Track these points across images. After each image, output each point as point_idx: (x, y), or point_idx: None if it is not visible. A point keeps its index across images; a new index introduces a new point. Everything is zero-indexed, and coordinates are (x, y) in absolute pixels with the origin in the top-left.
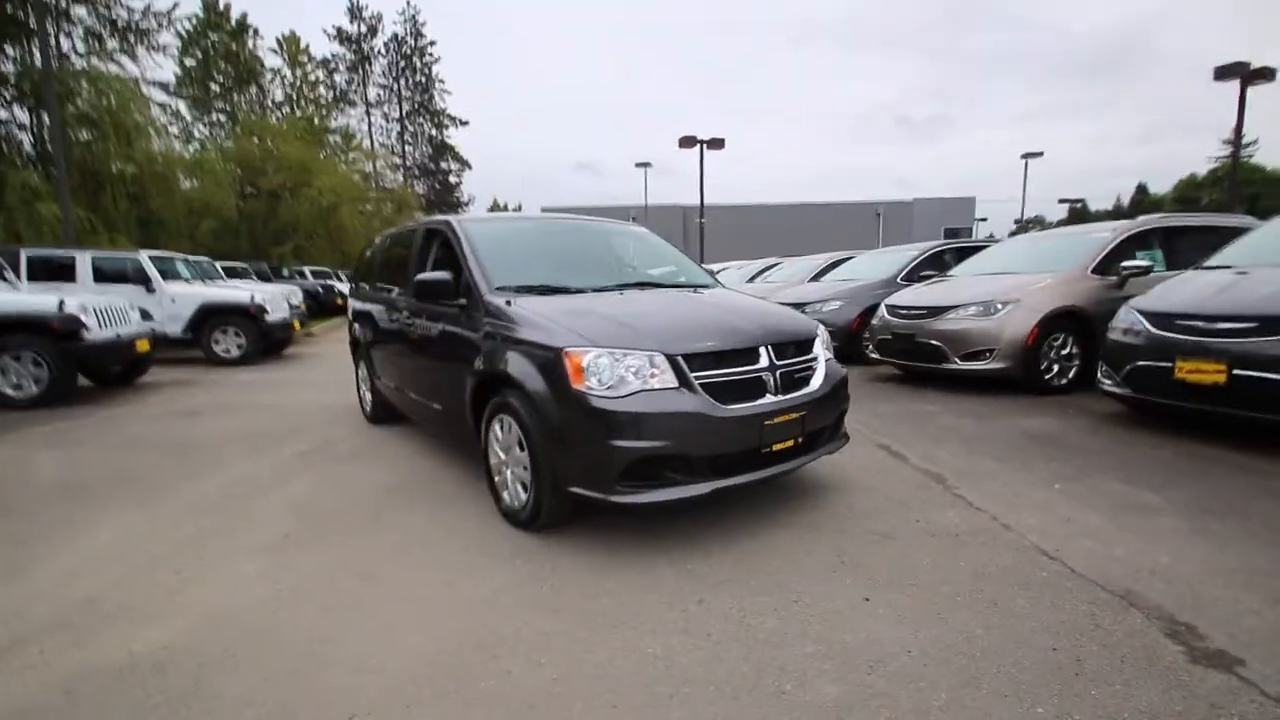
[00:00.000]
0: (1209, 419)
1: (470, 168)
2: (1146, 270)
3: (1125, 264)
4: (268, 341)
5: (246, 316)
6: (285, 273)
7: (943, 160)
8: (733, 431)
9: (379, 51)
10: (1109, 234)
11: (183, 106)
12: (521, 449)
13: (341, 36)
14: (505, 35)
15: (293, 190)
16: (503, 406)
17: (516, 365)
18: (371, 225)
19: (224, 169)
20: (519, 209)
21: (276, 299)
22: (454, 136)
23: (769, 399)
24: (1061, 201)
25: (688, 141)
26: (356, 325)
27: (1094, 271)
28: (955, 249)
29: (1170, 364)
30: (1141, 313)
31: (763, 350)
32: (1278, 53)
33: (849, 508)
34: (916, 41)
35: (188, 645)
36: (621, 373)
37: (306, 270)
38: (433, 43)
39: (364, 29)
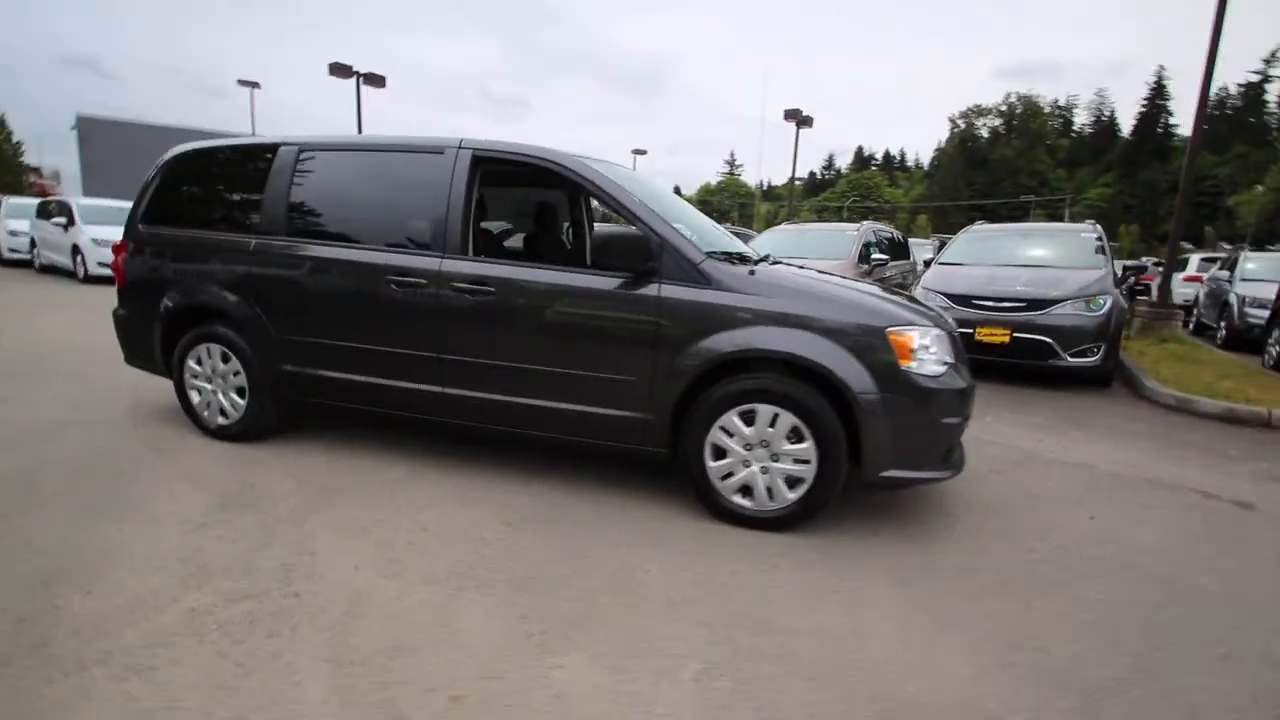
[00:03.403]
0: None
1: None
2: (885, 262)
3: (874, 256)
4: None
5: None
6: None
7: (520, 136)
8: None
9: None
10: (855, 232)
11: None
12: (795, 441)
13: None
14: None
15: None
16: (751, 395)
17: (807, 345)
18: None
19: None
20: None
21: None
22: None
23: None
24: None
25: (341, 71)
26: (180, 294)
27: (859, 260)
28: None
29: (972, 330)
30: (943, 294)
31: None
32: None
33: None
34: (499, 23)
35: None
36: (928, 349)
37: None
38: None
39: None
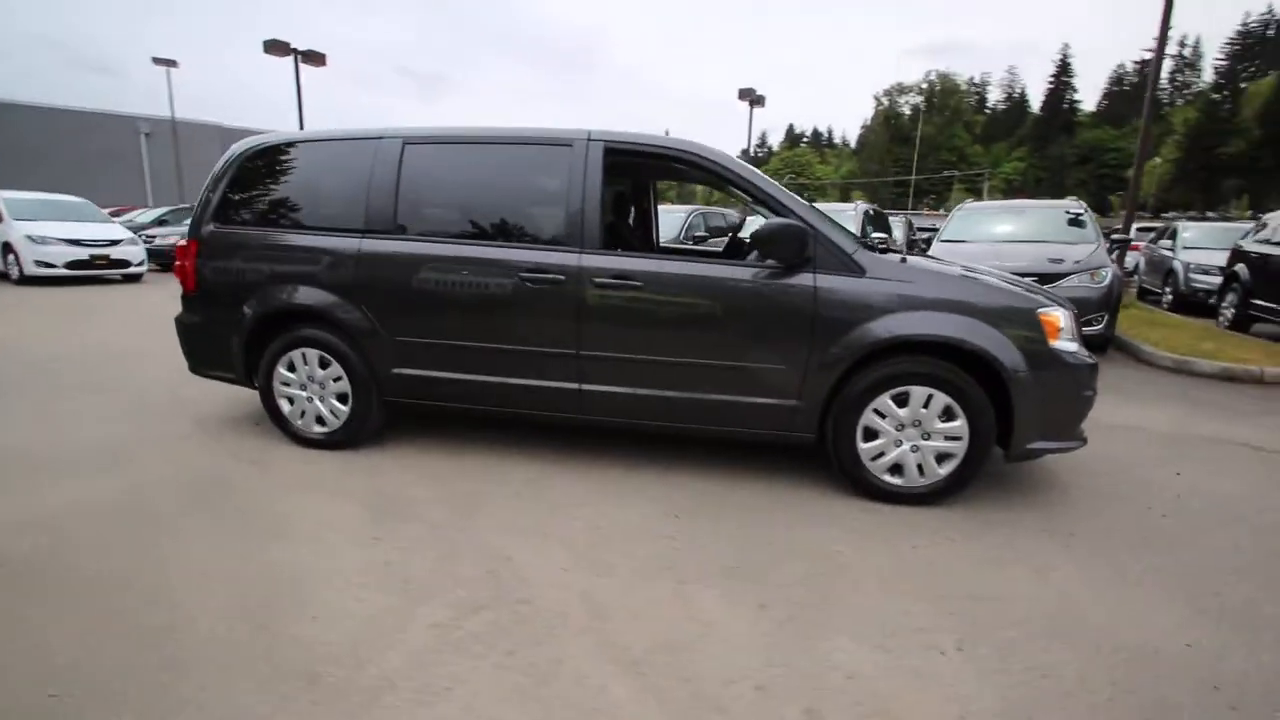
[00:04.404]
0: None
1: None
2: (886, 240)
3: (874, 235)
4: None
5: None
6: None
7: (446, 116)
8: None
9: None
10: (854, 211)
11: None
12: (946, 419)
13: None
14: None
15: None
16: (906, 377)
17: (966, 329)
18: None
19: None
20: None
21: None
22: None
23: None
24: None
25: (277, 48)
26: (269, 298)
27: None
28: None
29: None
30: None
31: None
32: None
33: None
34: None
35: None
36: (1067, 329)
37: None
38: None
39: None
